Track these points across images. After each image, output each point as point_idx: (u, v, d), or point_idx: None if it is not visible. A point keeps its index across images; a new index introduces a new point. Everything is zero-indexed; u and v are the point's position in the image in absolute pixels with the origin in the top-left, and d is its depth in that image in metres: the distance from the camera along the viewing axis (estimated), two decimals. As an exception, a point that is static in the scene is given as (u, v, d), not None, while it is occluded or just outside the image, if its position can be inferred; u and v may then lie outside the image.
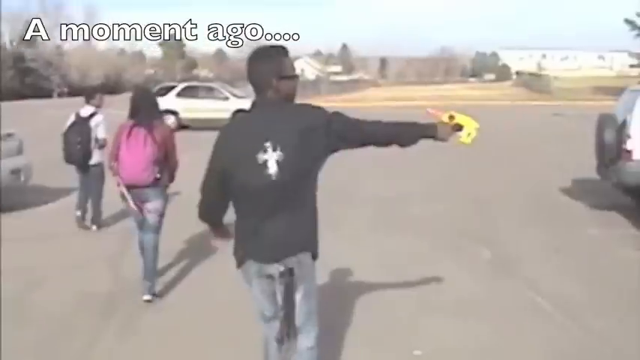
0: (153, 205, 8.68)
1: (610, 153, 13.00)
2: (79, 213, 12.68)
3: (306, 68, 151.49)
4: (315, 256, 4.97)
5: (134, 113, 8.74)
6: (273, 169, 4.66)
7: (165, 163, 8.71)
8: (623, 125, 12.94)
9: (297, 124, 4.74)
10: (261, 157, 4.68)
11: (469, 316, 7.95)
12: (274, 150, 4.66)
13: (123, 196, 8.68)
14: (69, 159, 12.47)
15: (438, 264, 9.84)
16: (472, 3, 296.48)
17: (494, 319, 7.82)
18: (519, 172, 18.87)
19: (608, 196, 14.36)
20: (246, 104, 30.05)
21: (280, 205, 4.72)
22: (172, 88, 37.62)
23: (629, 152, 12.73)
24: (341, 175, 15.98)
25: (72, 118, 12.45)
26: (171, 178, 8.97)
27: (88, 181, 12.65)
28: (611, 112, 13.94)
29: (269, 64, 4.85)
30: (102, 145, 12.33)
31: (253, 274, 4.93)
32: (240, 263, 4.99)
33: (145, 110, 8.74)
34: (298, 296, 4.89)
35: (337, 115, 4.90)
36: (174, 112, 34.76)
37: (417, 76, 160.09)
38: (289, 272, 4.80)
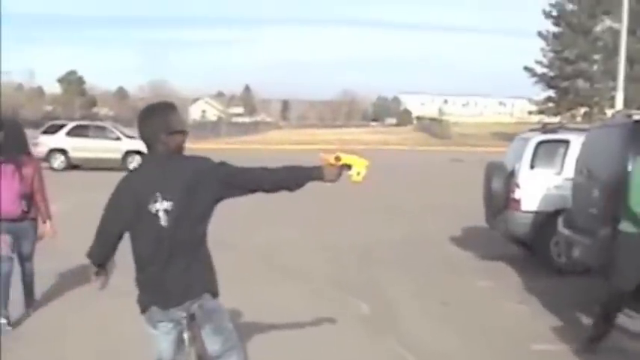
0: (24, 240, 9.06)
1: (498, 202, 12.71)
2: None
3: (207, 109, 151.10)
4: (215, 295, 5.17)
5: (4, 149, 8.75)
6: (164, 218, 4.90)
7: (33, 197, 8.92)
8: (512, 174, 12.69)
9: (185, 174, 4.98)
10: (153, 207, 4.92)
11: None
12: (164, 200, 4.90)
13: None
14: None
15: (311, 319, 9.23)
16: (375, 47, 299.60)
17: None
18: (409, 219, 18.51)
19: (497, 246, 14.07)
20: (138, 145, 29.61)
21: (175, 252, 4.94)
22: (62, 126, 36.68)
23: (517, 202, 12.50)
24: (217, 221, 15.27)
25: None
26: (46, 213, 9.19)
27: None
28: (499, 159, 13.70)
29: (158, 121, 5.06)
30: None
31: (157, 319, 5.06)
32: (144, 309, 5.10)
33: (13, 145, 8.85)
34: (208, 333, 5.09)
35: (223, 164, 5.14)
36: (63, 151, 33.88)
37: (319, 119, 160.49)
38: (192, 317, 5.03)
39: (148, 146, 5.11)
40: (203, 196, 4.97)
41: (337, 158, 5.07)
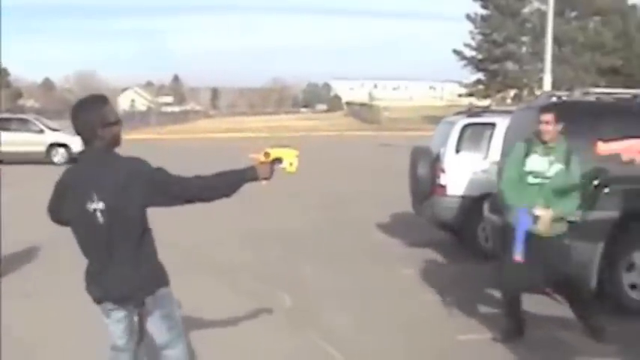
0: None
1: (424, 187, 12.47)
2: None
3: (136, 99, 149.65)
4: (164, 284, 5.30)
5: None
6: (101, 217, 4.94)
7: None
8: (437, 158, 12.46)
9: (119, 175, 4.98)
10: (90, 206, 4.95)
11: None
12: (100, 200, 4.93)
13: None
14: None
15: (233, 313, 8.91)
16: (304, 34, 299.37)
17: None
18: (335, 207, 18.25)
19: (424, 232, 13.86)
20: (61, 137, 28.90)
21: (115, 249, 5.01)
22: (-18, 119, 35.81)
23: (442, 187, 12.28)
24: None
25: None
26: None
27: None
28: (425, 144, 13.46)
29: (91, 115, 5.08)
30: None
31: (109, 308, 5.20)
32: (97, 301, 5.24)
33: None
34: (155, 319, 5.22)
35: (160, 171, 5.09)
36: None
37: (249, 106, 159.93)
38: (142, 305, 5.15)
39: (85, 141, 5.14)
40: (135, 200, 4.98)
41: (266, 154, 5.20)
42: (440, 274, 11.28)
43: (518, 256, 7.57)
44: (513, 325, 8.09)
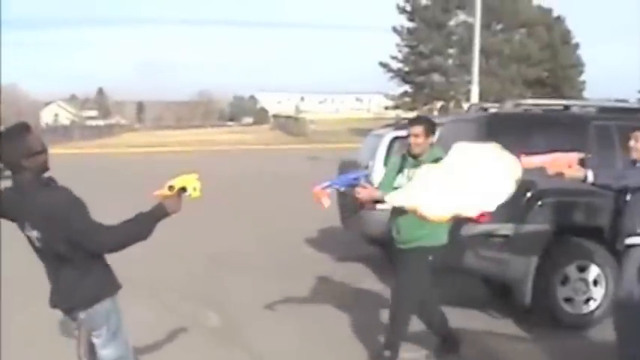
0: None
1: (352, 202, 12.22)
2: None
3: (60, 113, 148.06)
4: (100, 300, 5.23)
5: None
6: (37, 243, 5.07)
7: None
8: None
9: (45, 208, 4.93)
10: (27, 232, 5.07)
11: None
12: (32, 228, 5.01)
13: None
14: None
15: (159, 334, 8.63)
16: (230, 47, 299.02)
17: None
18: (263, 223, 17.96)
19: (354, 247, 13.62)
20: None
21: (57, 267, 5.12)
22: None
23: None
24: None
25: None
26: None
27: None
28: (353, 157, 13.26)
29: (15, 145, 4.99)
30: None
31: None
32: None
33: None
34: (98, 342, 5.25)
35: (77, 217, 4.97)
36: None
37: (176, 120, 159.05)
38: (80, 323, 5.18)
39: (13, 172, 5.09)
40: (59, 234, 4.95)
41: (170, 187, 5.15)
42: (373, 290, 11.07)
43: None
44: (445, 343, 7.92)
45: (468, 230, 8.80)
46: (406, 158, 7.58)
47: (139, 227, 5.14)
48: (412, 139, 7.40)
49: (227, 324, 9.45)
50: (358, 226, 12.43)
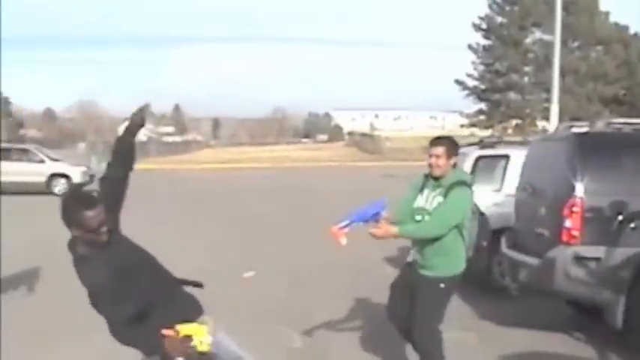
0: None
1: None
2: None
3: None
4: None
5: None
6: None
7: None
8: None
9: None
10: None
11: None
12: None
13: None
14: None
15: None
16: (305, 64, 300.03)
17: None
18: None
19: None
20: (62, 168, 28.83)
21: None
22: (-18, 150, 35.53)
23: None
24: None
25: None
26: None
27: None
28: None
29: (75, 226, 5.01)
30: None
31: None
32: None
33: None
34: None
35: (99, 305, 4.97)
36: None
37: (250, 137, 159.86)
38: None
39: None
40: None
41: (177, 331, 4.91)
42: (458, 310, 10.85)
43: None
44: None
45: (558, 252, 8.65)
46: (427, 179, 7.30)
47: (141, 342, 5.03)
48: (433, 160, 7.08)
49: (310, 345, 9.31)
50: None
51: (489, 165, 12.38)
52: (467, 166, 12.25)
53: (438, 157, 7.05)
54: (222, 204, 29.39)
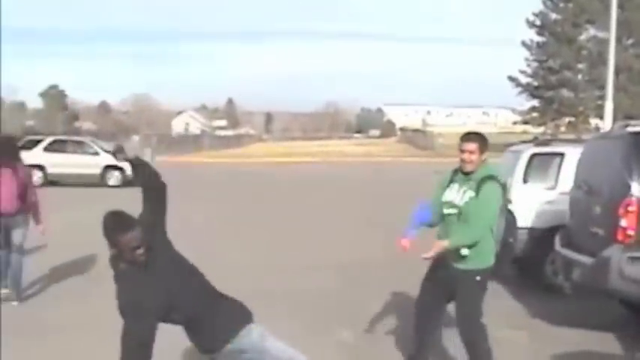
0: (17, 231, 11.08)
1: (489, 219, 12.03)
2: None
3: (190, 122, 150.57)
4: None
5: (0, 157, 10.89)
6: None
7: (25, 196, 11.02)
8: (504, 189, 12.02)
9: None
10: None
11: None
12: None
13: None
14: None
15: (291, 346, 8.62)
16: (358, 59, 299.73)
17: None
18: (394, 235, 17.80)
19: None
20: (116, 160, 29.31)
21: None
22: (40, 141, 35.93)
23: (510, 218, 11.81)
24: (197, 247, 15.91)
25: None
26: (35, 210, 11.33)
27: None
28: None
29: (109, 239, 5.21)
30: None
31: None
32: None
33: (7, 154, 11.07)
34: None
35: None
36: (41, 167, 33.06)
37: (303, 131, 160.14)
38: None
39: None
40: None
41: None
42: (508, 308, 10.83)
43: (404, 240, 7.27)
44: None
45: (612, 251, 8.59)
46: (457, 173, 7.36)
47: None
48: (466, 156, 7.15)
49: (361, 341, 9.30)
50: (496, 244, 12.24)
51: (544, 163, 12.31)
52: (521, 163, 12.24)
53: (471, 152, 7.15)
54: (273, 198, 29.51)
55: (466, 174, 7.20)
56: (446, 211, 7.24)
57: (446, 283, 7.31)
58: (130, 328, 5.12)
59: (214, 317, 5.44)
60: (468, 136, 7.34)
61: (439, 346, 8.54)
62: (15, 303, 10.98)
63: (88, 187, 33.06)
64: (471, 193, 7.08)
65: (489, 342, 7.35)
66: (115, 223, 5.20)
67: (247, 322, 5.56)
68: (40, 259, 13.87)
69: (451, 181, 7.35)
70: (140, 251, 5.15)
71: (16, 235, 11.12)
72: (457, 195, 7.18)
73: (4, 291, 11.06)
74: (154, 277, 5.22)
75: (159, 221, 5.56)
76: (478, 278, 7.17)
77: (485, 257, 7.17)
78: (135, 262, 5.18)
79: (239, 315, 5.63)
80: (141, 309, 5.11)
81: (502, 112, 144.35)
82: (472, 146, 7.15)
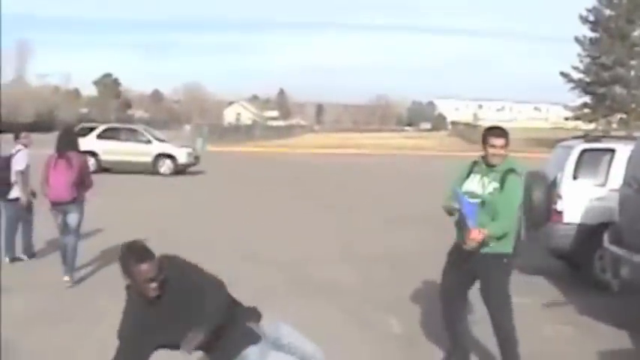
0: (73, 216, 11.59)
1: (538, 214, 11.99)
2: (7, 259, 13.17)
3: (242, 112, 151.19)
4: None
5: (59, 147, 11.55)
6: None
7: (81, 184, 11.55)
8: (553, 184, 12.01)
9: None
10: None
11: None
12: None
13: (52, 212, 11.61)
14: None
15: (339, 336, 8.72)
16: (409, 52, 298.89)
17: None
18: (442, 230, 17.81)
19: (536, 259, 13.38)
20: (168, 148, 29.47)
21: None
22: (93, 128, 36.30)
23: (559, 214, 11.82)
24: (246, 236, 16.31)
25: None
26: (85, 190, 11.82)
27: (12, 215, 13.34)
28: (539, 168, 13.01)
29: (123, 269, 5.22)
30: (20, 178, 12.99)
31: None
32: None
33: (65, 144, 11.59)
34: None
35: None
36: (94, 154, 33.37)
37: (353, 123, 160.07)
38: None
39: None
40: None
41: None
42: (556, 304, 10.81)
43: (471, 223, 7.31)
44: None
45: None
46: (479, 165, 7.68)
47: None
48: (493, 150, 7.49)
49: (409, 330, 9.35)
50: (544, 238, 12.22)
51: (594, 159, 12.21)
52: (571, 159, 12.16)
53: (501, 147, 7.51)
54: (323, 188, 29.58)
55: (490, 166, 7.52)
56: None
57: (469, 268, 7.61)
58: (117, 356, 5.23)
59: (221, 340, 5.45)
60: (498, 132, 7.65)
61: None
62: (69, 284, 11.45)
63: (139, 175, 33.38)
64: (495, 184, 7.43)
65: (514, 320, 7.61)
66: (131, 253, 5.20)
67: (247, 345, 5.51)
68: (92, 243, 14.16)
69: (470, 172, 7.70)
70: (153, 285, 5.15)
71: (72, 219, 11.59)
72: (478, 185, 7.50)
73: (66, 278, 11.50)
74: (162, 315, 5.25)
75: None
76: (505, 261, 7.51)
77: (508, 242, 7.50)
78: (146, 296, 5.19)
79: (241, 338, 5.55)
80: (135, 343, 5.20)
81: (554, 108, 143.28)
82: (502, 141, 7.51)
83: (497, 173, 7.45)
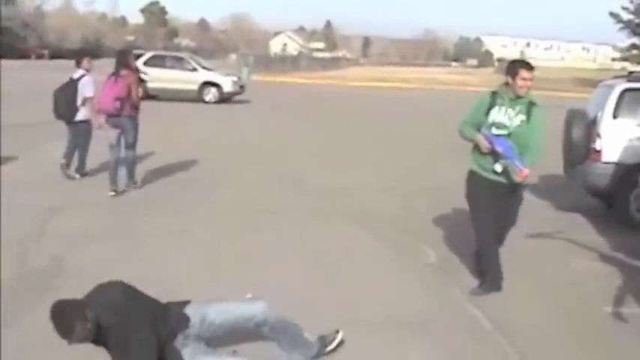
0: (127, 133, 12.64)
1: (577, 152, 12.10)
2: (63, 161, 14.00)
3: (288, 43, 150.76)
4: None
5: (115, 66, 12.55)
6: None
7: (127, 99, 12.36)
8: (593, 123, 12.07)
9: None
10: None
11: (401, 332, 6.96)
12: None
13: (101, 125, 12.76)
14: (58, 115, 13.89)
15: (375, 264, 9.06)
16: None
17: (427, 338, 6.84)
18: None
19: (574, 197, 13.51)
20: (214, 77, 29.71)
21: None
22: (140, 56, 36.45)
23: (598, 152, 11.88)
24: (289, 164, 16.63)
25: (65, 80, 13.93)
26: (135, 110, 12.69)
27: (75, 136, 13.99)
28: (581, 107, 13.06)
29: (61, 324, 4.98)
30: (88, 103, 13.69)
31: None
32: None
33: (118, 62, 12.60)
34: None
35: None
36: (140, 81, 33.50)
37: (400, 57, 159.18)
38: None
39: None
40: None
41: None
42: (589, 241, 10.90)
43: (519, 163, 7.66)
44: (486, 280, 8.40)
45: None
46: (502, 96, 7.95)
47: None
48: (523, 82, 7.77)
49: (443, 260, 9.56)
50: (582, 176, 12.33)
51: (635, 99, 12.19)
52: (612, 98, 12.11)
53: (530, 79, 7.81)
54: (368, 120, 29.68)
55: (517, 98, 7.84)
56: (495, 131, 7.86)
57: (497, 197, 8.09)
58: None
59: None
60: (529, 65, 7.92)
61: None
62: (137, 189, 13.04)
63: (185, 103, 33.66)
64: (522, 117, 7.84)
65: None
66: (56, 326, 4.90)
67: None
68: (142, 165, 14.63)
69: (493, 104, 7.97)
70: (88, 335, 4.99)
71: (128, 136, 12.68)
72: (505, 117, 7.85)
73: (111, 194, 12.51)
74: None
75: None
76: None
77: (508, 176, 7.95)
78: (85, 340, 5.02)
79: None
80: None
81: (602, 48, 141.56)
82: (531, 74, 7.80)
83: (522, 105, 7.81)
